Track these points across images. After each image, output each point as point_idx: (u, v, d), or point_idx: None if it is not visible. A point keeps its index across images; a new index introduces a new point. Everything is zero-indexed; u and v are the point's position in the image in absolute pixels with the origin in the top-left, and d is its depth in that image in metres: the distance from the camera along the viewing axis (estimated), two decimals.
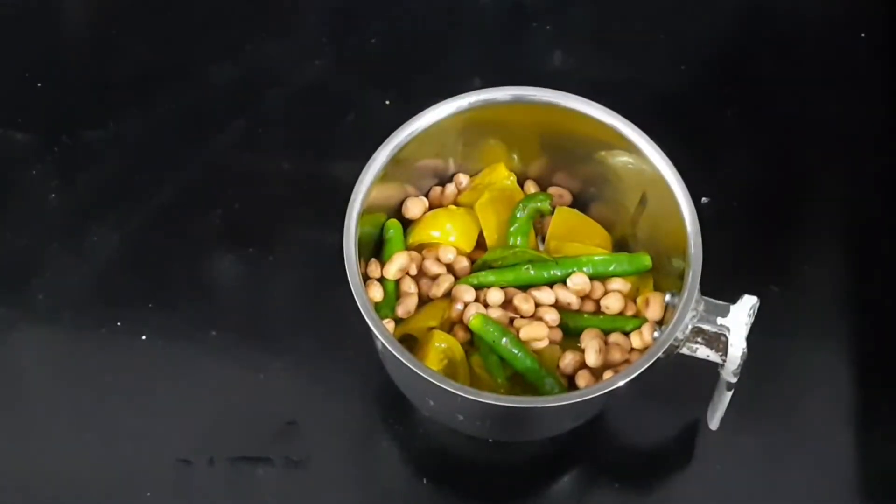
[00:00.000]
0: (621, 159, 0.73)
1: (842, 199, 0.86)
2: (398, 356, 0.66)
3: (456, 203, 0.77)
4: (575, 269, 0.73)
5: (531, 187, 0.78)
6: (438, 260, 0.74)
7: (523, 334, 0.71)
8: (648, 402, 0.76)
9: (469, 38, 0.92)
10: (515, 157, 0.77)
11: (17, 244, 0.83)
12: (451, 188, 0.77)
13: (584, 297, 0.74)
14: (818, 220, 0.86)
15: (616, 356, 0.71)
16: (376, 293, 0.72)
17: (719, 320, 0.67)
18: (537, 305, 0.73)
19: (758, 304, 0.68)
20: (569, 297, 0.73)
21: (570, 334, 0.73)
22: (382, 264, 0.74)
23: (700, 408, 0.74)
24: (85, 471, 0.76)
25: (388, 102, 0.88)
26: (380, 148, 0.71)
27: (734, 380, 0.69)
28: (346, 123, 0.87)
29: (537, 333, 0.71)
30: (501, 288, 0.73)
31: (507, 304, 0.73)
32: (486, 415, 0.70)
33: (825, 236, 0.85)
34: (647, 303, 0.72)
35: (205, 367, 0.79)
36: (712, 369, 0.70)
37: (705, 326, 0.68)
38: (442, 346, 0.71)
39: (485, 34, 0.92)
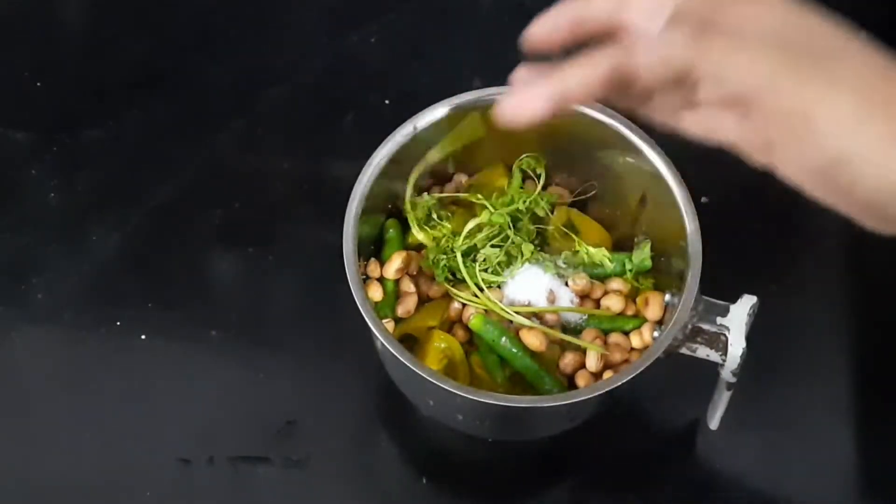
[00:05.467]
0: (621, 159, 0.73)
1: None
2: (398, 356, 0.66)
3: (455, 203, 0.77)
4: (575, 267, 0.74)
5: (531, 187, 0.78)
6: None
7: (522, 338, 0.71)
8: (648, 401, 0.76)
9: (469, 38, 0.92)
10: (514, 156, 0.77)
11: (17, 244, 0.83)
12: (450, 188, 0.77)
13: (584, 297, 0.74)
14: (818, 220, 0.86)
15: (616, 356, 0.71)
16: (376, 293, 0.72)
17: (719, 320, 0.67)
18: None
19: (757, 304, 0.68)
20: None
21: (570, 333, 0.73)
22: (382, 264, 0.74)
23: (700, 407, 0.74)
24: (85, 470, 0.76)
25: (387, 102, 0.88)
26: (379, 147, 0.71)
27: (734, 379, 0.69)
28: (345, 123, 0.87)
29: (534, 342, 0.71)
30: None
31: None
32: (485, 414, 0.70)
33: (825, 236, 0.85)
34: (646, 302, 0.72)
35: (204, 366, 0.79)
36: (712, 369, 0.70)
37: (705, 326, 0.68)
38: (441, 345, 0.71)
39: (485, 34, 0.92)
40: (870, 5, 0.93)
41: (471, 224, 0.73)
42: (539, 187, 0.75)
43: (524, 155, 0.75)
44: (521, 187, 0.75)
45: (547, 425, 0.74)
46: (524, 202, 0.74)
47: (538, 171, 0.75)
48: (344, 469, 0.77)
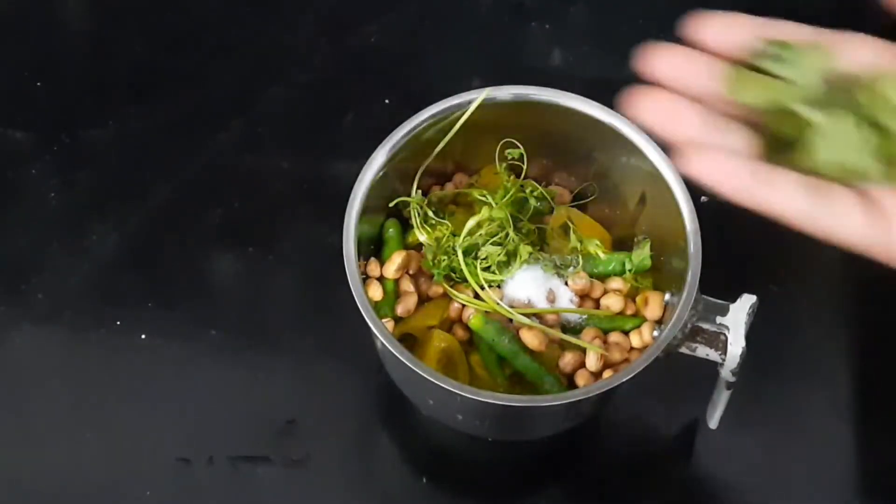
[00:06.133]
0: (621, 158, 0.73)
1: None
2: (398, 355, 0.66)
3: (455, 202, 0.77)
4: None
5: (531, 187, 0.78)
6: None
7: (522, 338, 0.71)
8: (648, 401, 0.76)
9: (469, 38, 0.92)
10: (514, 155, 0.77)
11: (17, 244, 0.83)
12: (450, 188, 0.77)
13: (584, 296, 0.74)
14: None
15: (615, 355, 0.71)
16: (376, 292, 0.72)
17: (718, 319, 0.67)
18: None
19: (757, 303, 0.68)
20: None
21: (569, 332, 0.73)
22: (382, 263, 0.74)
23: (699, 407, 0.74)
24: (85, 470, 0.76)
25: (387, 102, 0.88)
26: (379, 147, 0.71)
27: (733, 379, 0.69)
28: (345, 123, 0.87)
29: (533, 342, 0.71)
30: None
31: None
32: (485, 414, 0.70)
33: None
34: (646, 302, 0.72)
35: (204, 366, 0.79)
36: (711, 368, 0.70)
37: (704, 325, 0.68)
38: (441, 345, 0.71)
39: (484, 34, 0.92)
40: (869, 6, 0.93)
41: (471, 222, 0.73)
42: (523, 174, 0.74)
43: (501, 142, 0.74)
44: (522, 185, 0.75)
45: (547, 425, 0.74)
46: (518, 190, 0.74)
47: (518, 160, 0.75)
48: (344, 469, 0.77)
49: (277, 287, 0.82)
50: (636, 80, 0.54)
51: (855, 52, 0.48)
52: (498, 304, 0.71)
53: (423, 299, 0.74)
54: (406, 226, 0.75)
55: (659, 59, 0.51)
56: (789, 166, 0.47)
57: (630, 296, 0.74)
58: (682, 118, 0.50)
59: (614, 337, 0.72)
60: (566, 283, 0.74)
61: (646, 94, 0.51)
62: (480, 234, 0.73)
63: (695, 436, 0.77)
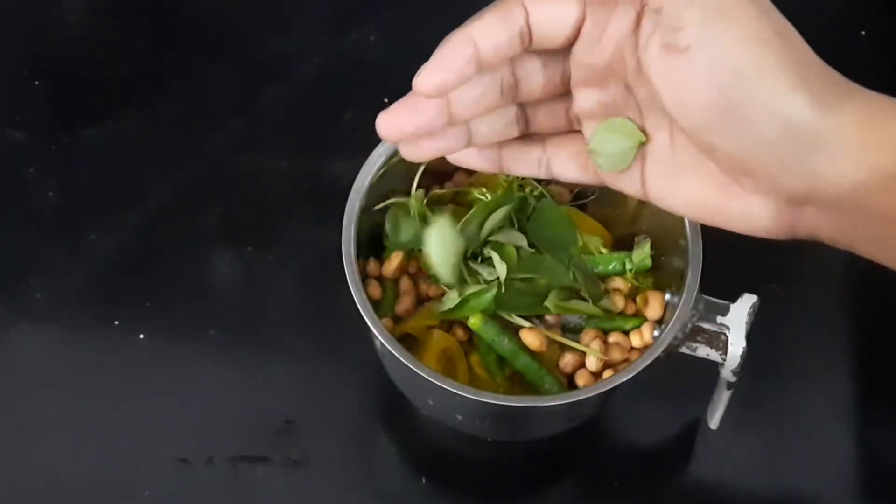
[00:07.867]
0: None
1: None
2: (397, 355, 0.66)
3: (455, 202, 0.76)
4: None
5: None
6: None
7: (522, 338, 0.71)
8: (648, 401, 0.76)
9: None
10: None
11: (16, 244, 0.83)
12: (450, 187, 0.77)
13: None
14: None
15: (615, 355, 0.71)
16: (375, 292, 0.72)
17: (719, 319, 0.67)
18: None
19: (758, 303, 0.68)
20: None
21: (569, 332, 0.73)
22: (382, 263, 0.74)
23: (700, 407, 0.74)
24: (83, 470, 0.76)
25: (387, 101, 0.87)
26: (378, 146, 0.71)
27: (734, 379, 0.69)
28: (345, 122, 0.87)
29: (534, 342, 0.71)
30: None
31: None
32: (485, 414, 0.70)
33: None
34: (646, 302, 0.72)
35: (203, 366, 0.79)
36: (712, 368, 0.70)
37: (705, 325, 0.68)
38: (441, 344, 0.71)
39: None
40: (870, 5, 0.93)
41: None
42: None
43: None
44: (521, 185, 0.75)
45: (547, 425, 0.74)
46: (518, 189, 0.74)
47: None
48: (344, 469, 0.77)
49: (277, 287, 0.81)
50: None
51: (560, 15, 0.52)
52: None
53: (423, 299, 0.74)
54: None
55: (389, 123, 0.56)
56: None
57: (630, 296, 0.73)
58: (448, 147, 0.56)
59: (614, 337, 0.72)
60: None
61: (405, 151, 0.56)
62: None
63: (695, 436, 0.77)
